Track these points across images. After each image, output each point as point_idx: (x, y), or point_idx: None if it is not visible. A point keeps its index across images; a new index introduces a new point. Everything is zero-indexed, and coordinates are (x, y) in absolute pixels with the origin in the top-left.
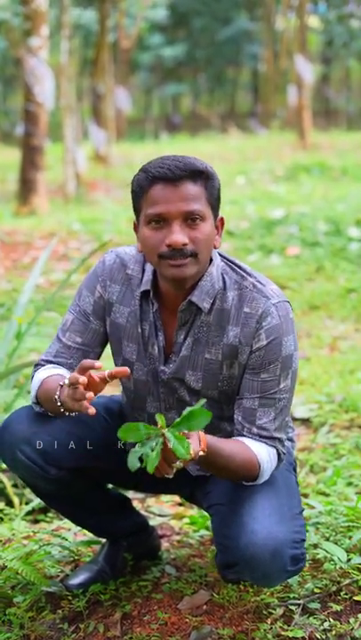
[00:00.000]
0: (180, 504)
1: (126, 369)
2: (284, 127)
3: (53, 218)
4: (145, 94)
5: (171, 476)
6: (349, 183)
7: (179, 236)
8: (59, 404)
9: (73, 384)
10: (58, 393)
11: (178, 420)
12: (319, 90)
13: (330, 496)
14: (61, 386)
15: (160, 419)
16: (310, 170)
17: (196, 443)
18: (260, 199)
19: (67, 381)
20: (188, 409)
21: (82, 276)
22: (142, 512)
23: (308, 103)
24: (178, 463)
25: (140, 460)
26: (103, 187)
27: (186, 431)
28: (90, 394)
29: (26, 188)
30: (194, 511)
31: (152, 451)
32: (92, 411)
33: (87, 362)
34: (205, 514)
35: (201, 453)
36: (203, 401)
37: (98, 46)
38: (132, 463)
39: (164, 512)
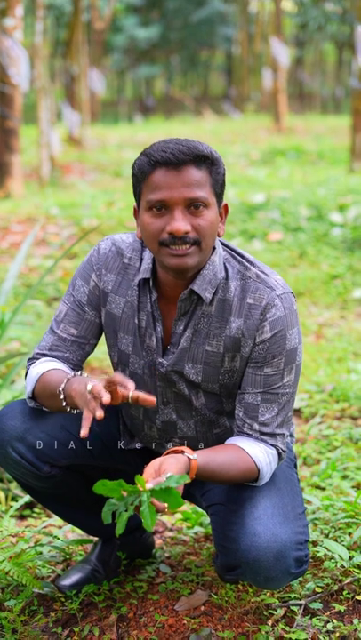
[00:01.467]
0: None
1: (154, 399)
2: (259, 110)
3: (30, 202)
4: (118, 76)
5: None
6: (326, 167)
7: (180, 223)
8: (62, 396)
9: (95, 397)
10: (63, 386)
11: (157, 488)
12: (293, 73)
13: (325, 490)
14: (69, 379)
15: (139, 481)
16: (286, 153)
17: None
18: (239, 183)
19: (89, 387)
20: (166, 482)
21: (62, 263)
22: None
23: (284, 87)
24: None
25: (114, 515)
26: (78, 170)
27: (159, 503)
28: (101, 413)
29: (1, 171)
30: (186, 506)
31: (126, 511)
32: (100, 414)
33: (118, 378)
34: (199, 510)
35: (188, 480)
36: (185, 478)
37: (71, 27)
38: (106, 516)
39: None
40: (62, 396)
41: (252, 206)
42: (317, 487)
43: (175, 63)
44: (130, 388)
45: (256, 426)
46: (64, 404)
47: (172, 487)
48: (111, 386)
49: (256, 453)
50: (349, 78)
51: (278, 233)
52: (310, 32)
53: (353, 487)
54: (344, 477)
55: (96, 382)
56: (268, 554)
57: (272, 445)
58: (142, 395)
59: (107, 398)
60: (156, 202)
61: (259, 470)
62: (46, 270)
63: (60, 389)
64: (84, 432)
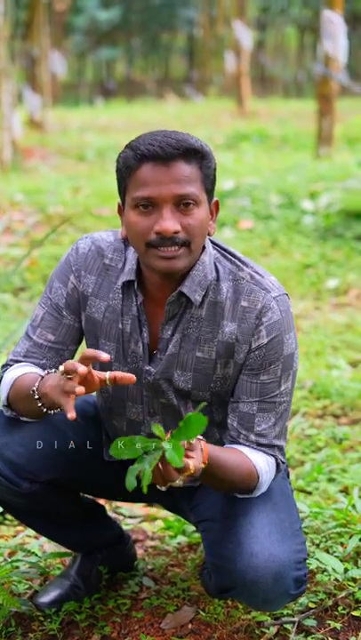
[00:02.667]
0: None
1: (133, 376)
2: (222, 94)
3: None
4: (78, 59)
5: (164, 489)
6: (291, 152)
7: (169, 222)
8: (37, 396)
9: (68, 372)
10: (37, 384)
11: (175, 430)
12: (255, 56)
13: (312, 495)
14: (42, 377)
15: (158, 430)
16: (250, 138)
17: (198, 456)
18: None
19: (61, 368)
20: (187, 415)
21: (24, 250)
22: (111, 514)
23: (247, 70)
24: (178, 482)
25: (138, 478)
26: (39, 154)
27: (185, 441)
28: (81, 388)
29: None
30: (167, 512)
31: (149, 467)
32: (72, 415)
33: (91, 352)
34: (182, 519)
35: (202, 466)
36: (203, 404)
37: (32, 8)
38: (130, 482)
39: (134, 513)
40: (37, 397)
41: (221, 193)
42: (303, 491)
43: (136, 46)
44: (105, 359)
45: (253, 437)
46: (39, 404)
47: (191, 414)
48: (85, 361)
49: (256, 459)
50: (311, 62)
51: (249, 221)
52: (272, 15)
53: (341, 491)
54: (330, 480)
55: (67, 362)
56: (267, 575)
57: (271, 455)
58: (119, 374)
59: (82, 369)
60: (143, 199)
61: (259, 477)
62: (18, 261)
63: (34, 389)
64: (70, 415)
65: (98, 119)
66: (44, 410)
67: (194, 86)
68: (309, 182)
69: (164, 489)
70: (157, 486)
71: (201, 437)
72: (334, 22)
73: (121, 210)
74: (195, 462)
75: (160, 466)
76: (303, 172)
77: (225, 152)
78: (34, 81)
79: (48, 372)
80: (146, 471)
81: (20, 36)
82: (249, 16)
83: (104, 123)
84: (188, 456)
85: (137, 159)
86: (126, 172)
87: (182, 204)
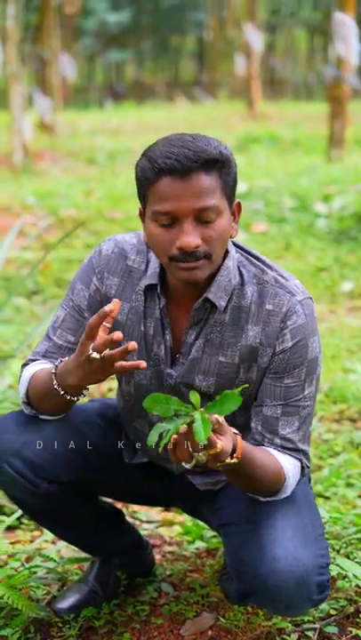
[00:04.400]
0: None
1: (143, 363)
2: (232, 96)
3: (4, 190)
4: (88, 61)
5: (188, 467)
6: (303, 155)
7: (191, 237)
8: (55, 382)
9: (102, 316)
10: (54, 369)
11: (211, 403)
12: (264, 59)
13: (331, 500)
14: (61, 360)
15: (194, 397)
16: (261, 140)
17: (228, 441)
18: None
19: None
20: (224, 392)
21: (36, 254)
22: (128, 518)
23: (257, 73)
24: (201, 455)
25: (161, 436)
26: (49, 157)
27: (215, 417)
28: (118, 334)
29: None
30: (184, 517)
31: (173, 428)
32: (133, 345)
33: (105, 309)
34: (200, 522)
35: (234, 461)
36: (244, 385)
37: (42, 11)
38: (152, 437)
39: (151, 518)
40: (55, 382)
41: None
42: (321, 496)
43: (146, 48)
44: (116, 305)
45: (278, 440)
46: (56, 385)
47: (228, 391)
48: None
49: (284, 461)
50: (321, 65)
51: (262, 224)
52: (282, 17)
53: (359, 497)
54: (348, 485)
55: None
56: (290, 580)
57: (297, 459)
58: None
59: (113, 308)
60: (163, 214)
61: (285, 479)
62: (33, 266)
63: (52, 371)
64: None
65: (108, 122)
66: (62, 393)
67: (204, 89)
68: (322, 185)
69: (188, 466)
70: (183, 463)
71: (237, 432)
72: (346, 24)
73: (142, 214)
74: (222, 444)
75: (187, 434)
76: (316, 174)
77: (236, 154)
78: (44, 84)
79: (67, 358)
80: (169, 432)
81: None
82: (259, 18)
83: (114, 125)
84: (217, 435)
85: (155, 172)
86: (145, 183)
87: (203, 216)
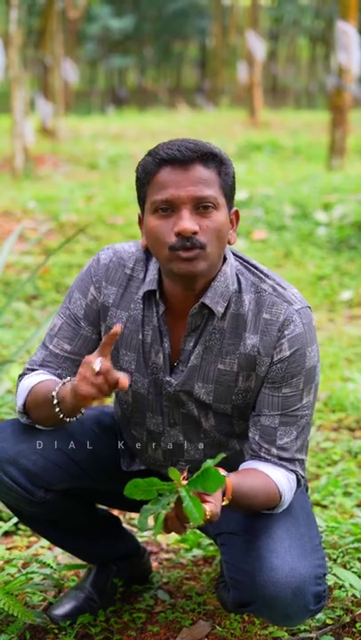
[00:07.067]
0: None
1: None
2: (234, 104)
3: (4, 195)
4: (90, 67)
5: (183, 535)
6: (303, 163)
7: (188, 222)
8: (55, 401)
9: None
10: (57, 389)
11: (193, 477)
12: (266, 67)
13: (328, 508)
14: (64, 383)
15: (174, 475)
16: (263, 148)
17: (218, 502)
18: None
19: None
20: (203, 466)
21: (36, 258)
22: (125, 526)
23: (259, 80)
24: (192, 524)
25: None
26: (51, 161)
27: (201, 491)
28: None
29: None
30: None
31: (163, 510)
32: (124, 382)
33: (112, 331)
34: (197, 531)
35: (225, 503)
36: (220, 456)
37: (45, 16)
38: (142, 524)
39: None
40: (56, 401)
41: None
42: (319, 505)
43: (149, 54)
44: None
45: (274, 450)
46: (57, 409)
47: (210, 467)
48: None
49: (278, 478)
50: (323, 73)
51: (262, 231)
52: (285, 26)
53: (357, 506)
54: (346, 494)
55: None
56: (287, 590)
57: (292, 471)
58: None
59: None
60: (162, 202)
61: (281, 497)
62: (33, 270)
63: (54, 393)
64: (123, 382)
65: (110, 127)
66: (61, 416)
67: (206, 96)
68: (323, 194)
69: (183, 535)
70: (177, 534)
71: (225, 473)
72: (348, 33)
73: (141, 220)
74: (212, 507)
75: (177, 511)
76: (316, 183)
77: (237, 162)
78: (46, 89)
79: (70, 379)
80: (160, 515)
81: (33, 44)
82: (262, 26)
83: (116, 131)
84: (204, 500)
85: (156, 163)
86: (145, 178)
87: (201, 206)
